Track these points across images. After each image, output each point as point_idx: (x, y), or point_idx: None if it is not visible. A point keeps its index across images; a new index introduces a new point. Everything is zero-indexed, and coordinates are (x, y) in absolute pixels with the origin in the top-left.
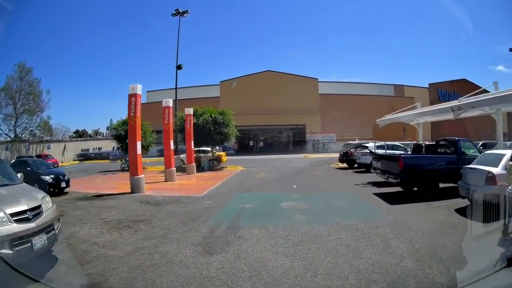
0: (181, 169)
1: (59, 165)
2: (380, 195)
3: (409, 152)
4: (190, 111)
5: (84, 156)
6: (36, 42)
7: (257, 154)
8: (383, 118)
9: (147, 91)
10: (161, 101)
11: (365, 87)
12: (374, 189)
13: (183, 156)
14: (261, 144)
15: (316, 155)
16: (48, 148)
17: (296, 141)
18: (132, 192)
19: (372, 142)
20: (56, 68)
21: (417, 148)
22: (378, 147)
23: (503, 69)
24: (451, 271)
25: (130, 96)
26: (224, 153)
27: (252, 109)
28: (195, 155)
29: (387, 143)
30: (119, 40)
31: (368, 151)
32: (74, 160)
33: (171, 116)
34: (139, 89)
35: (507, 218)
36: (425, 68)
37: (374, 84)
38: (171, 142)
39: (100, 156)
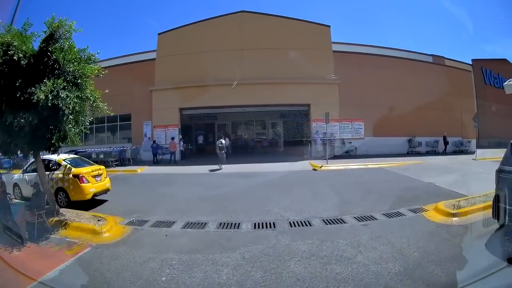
0: None
1: None
2: None
3: None
4: None
5: None
6: None
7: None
8: None
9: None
10: None
11: (396, 53)
12: None
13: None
14: (227, 142)
15: (337, 164)
16: None
17: (292, 134)
18: None
19: None
20: None
21: None
22: None
23: None
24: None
25: None
26: (99, 168)
27: (214, 79)
28: None
29: None
30: None
31: None
32: None
33: None
34: None
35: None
36: None
37: (409, 52)
38: None
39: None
